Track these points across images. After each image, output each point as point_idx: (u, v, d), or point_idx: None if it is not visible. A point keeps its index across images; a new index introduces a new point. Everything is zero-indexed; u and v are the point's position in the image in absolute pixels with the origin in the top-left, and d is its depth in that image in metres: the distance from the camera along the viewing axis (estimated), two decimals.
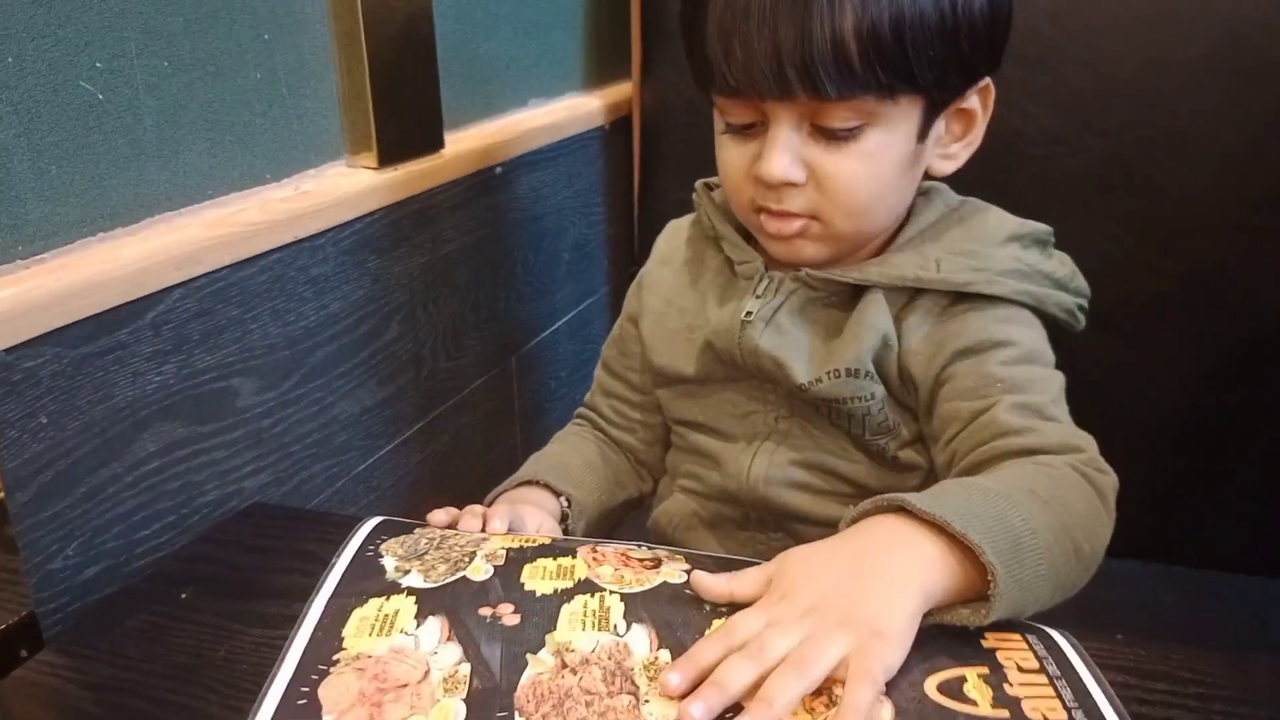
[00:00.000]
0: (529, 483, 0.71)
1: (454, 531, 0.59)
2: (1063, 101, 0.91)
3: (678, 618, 0.49)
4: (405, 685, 0.47)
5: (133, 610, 0.59)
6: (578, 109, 1.14)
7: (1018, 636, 0.49)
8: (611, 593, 0.51)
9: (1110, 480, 0.58)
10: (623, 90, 1.20)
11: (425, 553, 0.56)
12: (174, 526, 0.68)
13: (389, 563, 0.55)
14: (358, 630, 0.50)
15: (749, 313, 0.67)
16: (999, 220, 0.68)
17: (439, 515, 0.63)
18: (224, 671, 0.54)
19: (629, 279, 0.79)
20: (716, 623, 0.49)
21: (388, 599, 0.52)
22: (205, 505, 0.70)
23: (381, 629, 0.50)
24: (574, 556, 0.55)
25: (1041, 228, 0.70)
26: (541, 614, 0.50)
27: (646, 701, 0.45)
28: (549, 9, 1.08)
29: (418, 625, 0.50)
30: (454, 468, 0.99)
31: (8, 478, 0.57)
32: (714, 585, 0.51)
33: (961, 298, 0.64)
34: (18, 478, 0.57)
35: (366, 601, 0.52)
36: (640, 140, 1.16)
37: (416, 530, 0.59)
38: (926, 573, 0.49)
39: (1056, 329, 0.67)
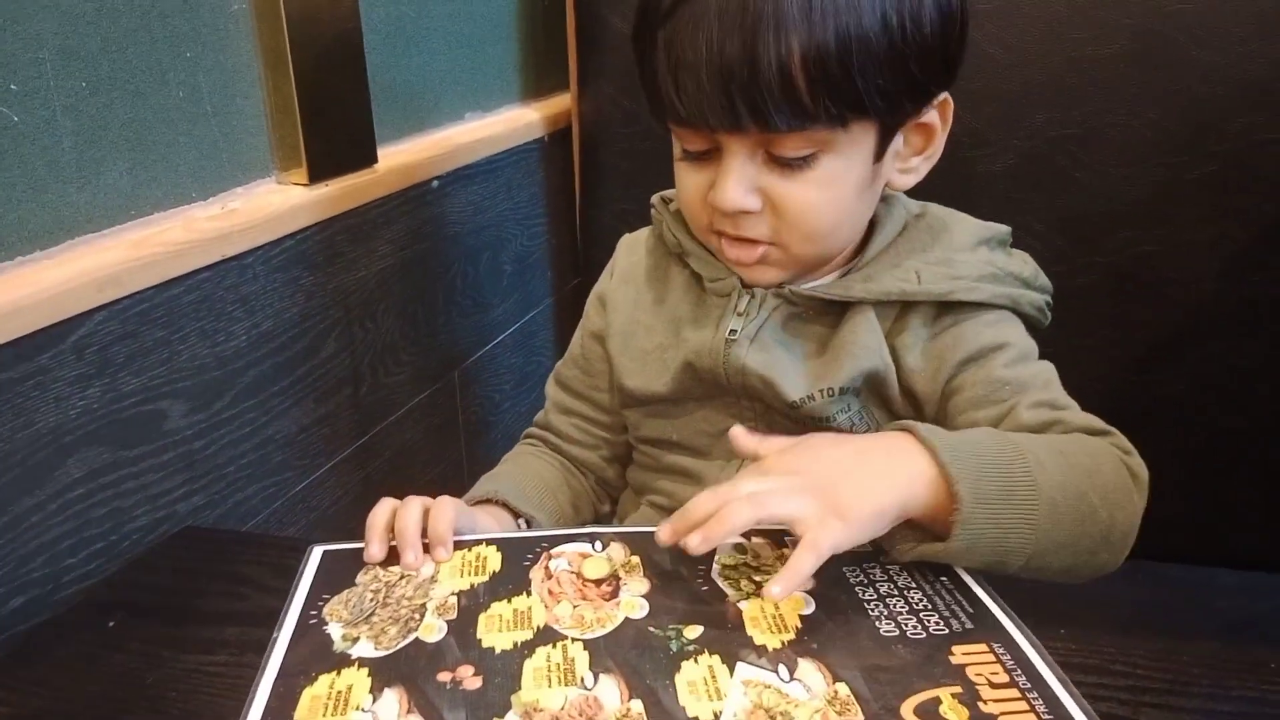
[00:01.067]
0: (486, 501, 0.70)
1: (399, 576, 0.58)
2: (988, 103, 0.92)
3: (645, 664, 0.49)
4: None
5: (60, 640, 0.58)
6: (516, 121, 1.14)
7: (984, 648, 0.49)
8: (574, 641, 0.51)
9: (1140, 464, 0.60)
10: (562, 102, 1.20)
11: (371, 613, 0.55)
12: (103, 554, 0.67)
13: (335, 631, 0.53)
14: (310, 712, 0.48)
15: (733, 331, 0.66)
16: (965, 226, 0.69)
17: (381, 512, 0.61)
18: (153, 700, 0.53)
19: (574, 290, 0.79)
20: (685, 665, 0.49)
21: (339, 674, 0.50)
22: (135, 531, 0.69)
23: (336, 709, 0.48)
24: (528, 594, 0.55)
25: (1002, 228, 0.70)
26: (504, 673, 0.49)
27: None
28: (483, 22, 1.08)
29: (374, 700, 0.48)
30: (397, 484, 0.98)
31: None
32: (748, 442, 0.59)
33: (947, 308, 0.65)
34: None
35: (316, 680, 0.50)
36: (580, 151, 1.16)
37: (360, 581, 0.58)
38: (913, 483, 0.53)
39: (1028, 327, 0.69)
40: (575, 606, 0.54)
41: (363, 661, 0.51)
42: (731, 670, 0.49)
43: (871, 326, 0.64)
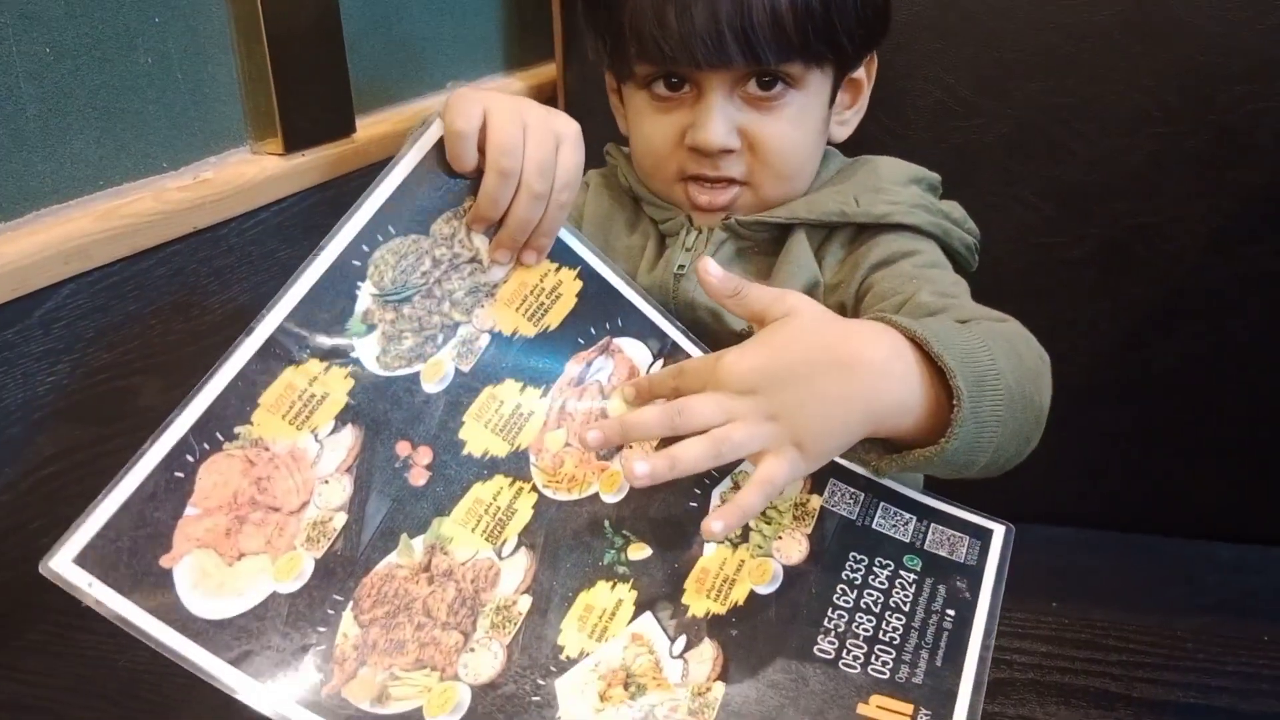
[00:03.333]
0: None
1: (469, 258, 0.51)
2: (981, 72, 0.91)
3: (567, 562, 0.47)
4: (276, 510, 0.45)
5: (33, 622, 0.57)
6: (500, 90, 1.11)
7: (909, 710, 0.45)
8: (530, 490, 0.49)
9: (1042, 348, 0.60)
10: (547, 71, 1.18)
11: (411, 296, 0.50)
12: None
13: (363, 295, 0.49)
14: (277, 402, 0.46)
15: (681, 266, 0.68)
16: (899, 164, 0.74)
17: (469, 105, 0.53)
18: (125, 683, 0.51)
19: None
20: (599, 585, 0.47)
21: (327, 370, 0.47)
22: None
23: (297, 416, 0.46)
24: (545, 394, 0.51)
25: (933, 174, 0.75)
26: (451, 483, 0.47)
27: (471, 650, 0.43)
28: None
29: (332, 430, 0.46)
30: None
31: None
32: (721, 283, 0.53)
33: (869, 228, 0.68)
34: None
35: (306, 362, 0.47)
36: None
37: (433, 231, 0.51)
38: (891, 396, 0.49)
39: (956, 267, 0.71)
40: (567, 445, 0.51)
41: (355, 371, 0.48)
42: (635, 616, 0.47)
43: (803, 246, 0.67)
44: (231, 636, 0.42)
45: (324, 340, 0.48)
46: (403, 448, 0.48)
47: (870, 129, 0.84)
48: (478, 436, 0.49)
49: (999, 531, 0.54)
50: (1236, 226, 0.89)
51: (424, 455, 0.48)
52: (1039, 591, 0.55)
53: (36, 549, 0.62)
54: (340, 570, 0.44)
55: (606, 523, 0.50)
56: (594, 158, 0.87)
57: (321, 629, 0.43)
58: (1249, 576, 0.96)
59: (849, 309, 0.68)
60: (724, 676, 0.45)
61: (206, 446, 0.45)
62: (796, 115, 0.65)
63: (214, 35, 0.75)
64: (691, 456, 0.48)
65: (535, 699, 0.43)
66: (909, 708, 0.44)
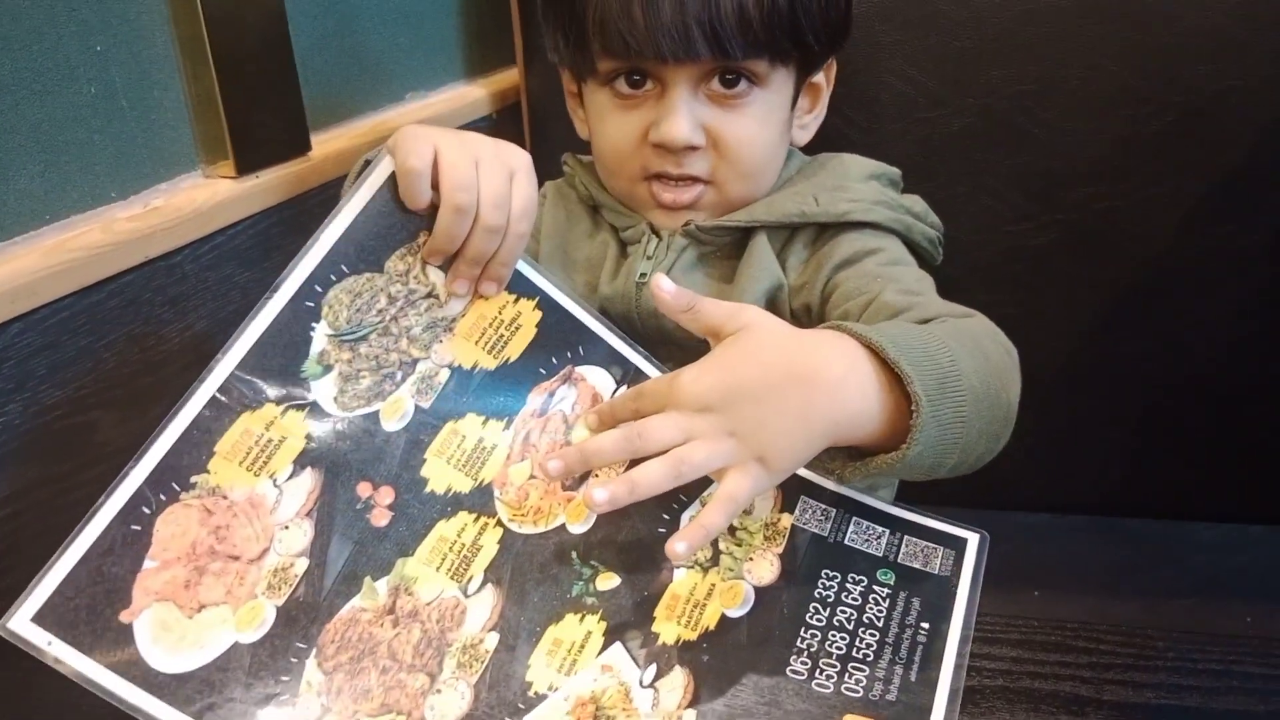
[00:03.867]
0: None
1: (426, 293, 0.51)
2: (943, 62, 0.90)
3: (535, 595, 0.47)
4: (236, 559, 0.44)
5: None
6: (461, 99, 1.10)
7: None
8: (496, 525, 0.48)
9: (1010, 342, 0.60)
10: (509, 77, 1.17)
11: (367, 335, 0.49)
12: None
13: (319, 336, 0.48)
14: (233, 449, 0.46)
15: (643, 274, 0.67)
16: (857, 161, 0.74)
17: (419, 142, 0.53)
18: None
19: None
20: (568, 619, 0.47)
21: (284, 413, 0.47)
22: None
23: (255, 462, 0.46)
24: (508, 426, 0.51)
25: (894, 169, 0.75)
26: (414, 522, 0.47)
27: (438, 691, 0.43)
28: None
29: (291, 474, 0.46)
30: None
31: None
32: (675, 299, 0.52)
33: (830, 227, 0.68)
34: None
35: (262, 407, 0.47)
36: (530, 127, 1.13)
37: (387, 268, 0.51)
38: (851, 405, 0.49)
39: (920, 261, 0.71)
40: (531, 477, 0.51)
41: (312, 411, 0.48)
42: (605, 647, 0.46)
43: (765, 249, 0.67)
44: (193, 690, 0.42)
45: (279, 383, 0.48)
46: (364, 489, 0.47)
47: (835, 124, 0.84)
48: (440, 473, 0.49)
49: (973, 540, 0.53)
50: (1203, 207, 0.89)
51: (386, 495, 0.47)
52: (1020, 580, 0.54)
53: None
54: (303, 617, 0.44)
55: (574, 553, 0.49)
56: (556, 165, 0.86)
57: (285, 678, 0.43)
58: (1230, 556, 0.96)
59: (815, 310, 0.67)
60: (695, 703, 0.44)
61: (163, 497, 0.45)
62: (761, 114, 0.65)
63: (159, 60, 0.74)
64: (651, 478, 0.47)
65: None
66: None
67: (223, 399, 0.47)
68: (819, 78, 0.72)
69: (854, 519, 0.54)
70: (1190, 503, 0.97)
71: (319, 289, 0.50)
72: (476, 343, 0.52)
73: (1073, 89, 0.88)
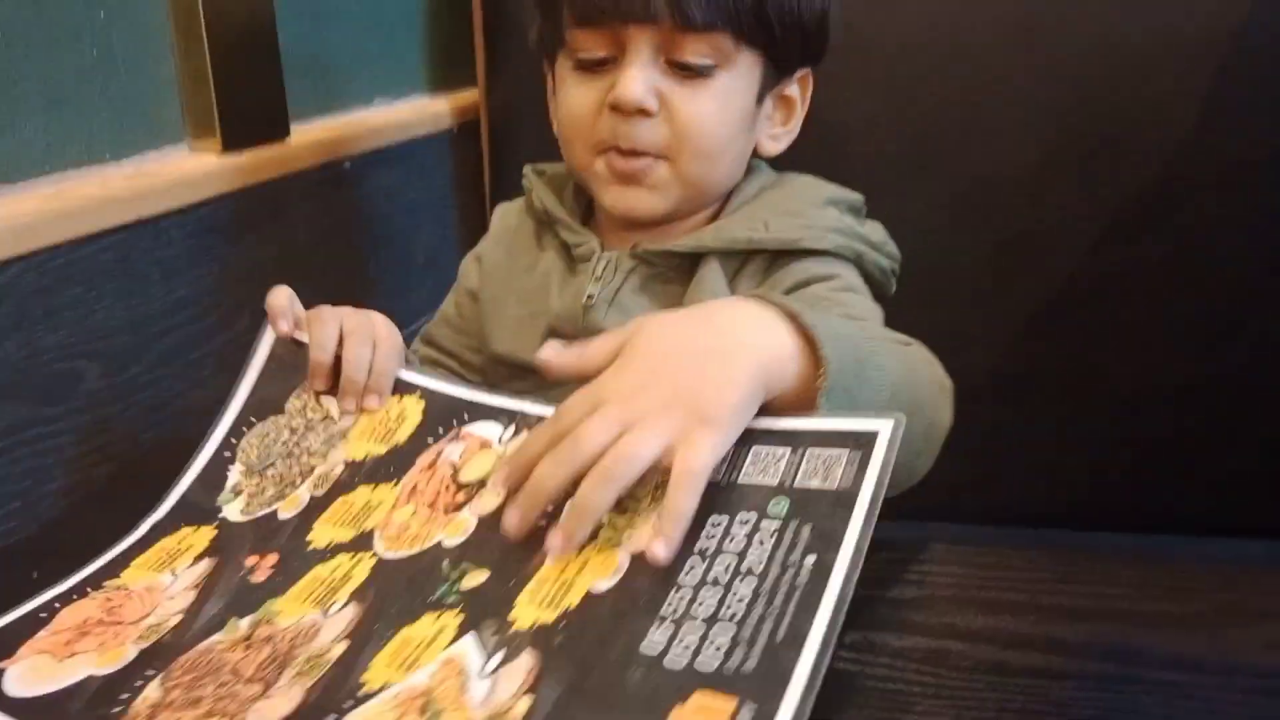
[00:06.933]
0: None
1: (322, 417, 0.58)
2: (878, 90, 0.97)
3: (393, 606, 0.45)
4: (119, 624, 0.48)
5: None
6: (424, 110, 1.15)
7: (731, 706, 0.36)
8: (371, 556, 0.49)
9: (946, 374, 0.59)
10: (469, 95, 1.22)
11: (272, 464, 0.56)
12: (20, 513, 0.65)
13: (231, 477, 0.56)
14: (147, 560, 0.52)
15: (590, 296, 0.67)
16: (817, 185, 0.73)
17: (280, 294, 0.63)
18: None
19: None
20: (422, 620, 0.44)
21: (196, 530, 0.53)
22: (52, 493, 0.67)
23: (162, 565, 0.52)
24: (396, 484, 0.53)
25: (856, 195, 0.74)
26: (292, 574, 0.49)
27: (269, 697, 0.42)
28: (390, 9, 1.10)
29: (191, 564, 0.51)
30: None
31: None
32: (564, 360, 0.49)
33: (785, 254, 0.66)
34: None
35: (179, 529, 0.54)
36: (489, 144, 1.17)
37: (289, 408, 0.59)
38: (771, 350, 0.46)
39: (873, 291, 0.70)
40: (417, 512, 0.50)
41: (220, 524, 0.54)
42: (455, 640, 0.42)
43: (717, 276, 0.66)
44: (39, 711, 0.44)
45: (198, 516, 0.55)
46: (251, 560, 0.51)
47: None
48: (324, 533, 0.52)
49: (884, 430, 0.43)
50: (1116, 224, 0.95)
51: (270, 559, 0.51)
52: (965, 605, 0.55)
53: None
54: (162, 653, 0.46)
55: (445, 562, 0.47)
56: (514, 183, 0.90)
57: (123, 696, 0.44)
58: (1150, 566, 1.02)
59: None
60: (534, 689, 0.39)
61: (75, 597, 0.51)
62: (720, 94, 0.65)
63: (156, 33, 0.77)
64: (595, 495, 0.42)
65: None
66: (731, 703, 0.36)
67: (148, 537, 0.54)
68: (793, 90, 0.72)
69: (753, 449, 0.46)
70: (1110, 514, 1.03)
71: (234, 440, 0.59)
72: (369, 439, 0.57)
73: (999, 109, 0.95)
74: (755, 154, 0.73)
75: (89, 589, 0.51)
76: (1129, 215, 0.95)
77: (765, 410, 0.47)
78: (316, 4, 0.96)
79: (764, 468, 0.45)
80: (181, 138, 0.80)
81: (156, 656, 0.46)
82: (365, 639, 0.44)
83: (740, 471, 0.45)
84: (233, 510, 0.55)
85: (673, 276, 0.68)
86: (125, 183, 0.72)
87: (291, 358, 0.61)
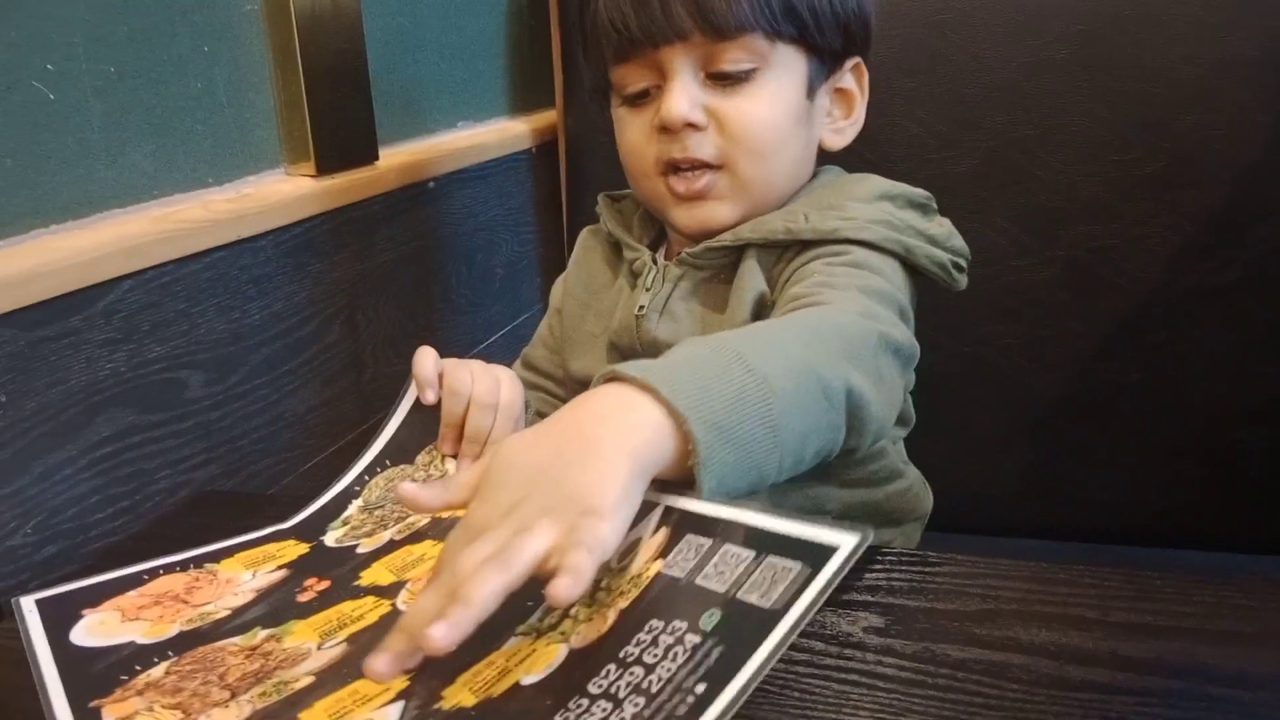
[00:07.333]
0: None
1: (441, 475, 0.63)
2: (951, 107, 0.98)
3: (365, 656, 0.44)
4: (185, 603, 0.53)
5: None
6: (505, 132, 1.19)
7: None
8: (389, 605, 0.51)
9: (902, 335, 0.57)
10: (548, 116, 1.26)
11: (385, 504, 0.61)
12: (128, 511, 0.69)
13: (351, 507, 0.62)
14: (243, 558, 0.58)
15: (641, 307, 0.68)
16: (874, 181, 0.71)
17: (426, 360, 0.67)
18: None
19: None
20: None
21: (296, 544, 0.59)
22: (157, 493, 0.72)
23: (253, 563, 0.57)
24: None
25: (919, 192, 0.72)
26: (326, 602, 0.52)
27: (225, 706, 0.45)
28: (473, 38, 1.14)
29: (272, 570, 0.56)
30: None
31: None
32: (427, 497, 0.48)
33: (815, 243, 0.65)
34: None
35: (287, 540, 0.59)
36: (566, 164, 1.21)
37: (418, 460, 0.64)
38: (640, 435, 0.44)
39: (934, 288, 0.69)
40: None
41: (317, 545, 0.58)
42: (385, 704, 0.42)
43: (754, 269, 0.66)
44: (75, 659, 0.49)
45: (309, 534, 0.60)
46: (310, 580, 0.55)
47: (854, 164, 0.91)
48: (373, 574, 0.55)
49: (844, 545, 0.41)
50: (1189, 245, 0.96)
51: (323, 585, 0.54)
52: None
53: (91, 523, 0.67)
54: (190, 640, 0.50)
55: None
56: (590, 198, 0.93)
57: (138, 668, 0.48)
58: (1226, 583, 1.00)
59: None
60: None
61: (176, 569, 0.57)
62: (765, 95, 0.65)
63: (254, 66, 0.82)
64: (484, 586, 0.39)
65: None
66: None
67: (267, 536, 0.61)
68: (849, 84, 0.72)
69: (726, 546, 0.43)
70: (1187, 532, 1.02)
71: (366, 478, 0.64)
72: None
73: (1070, 134, 0.96)
74: (823, 150, 0.73)
75: (191, 565, 0.57)
76: (1201, 235, 0.94)
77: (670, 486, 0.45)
78: (405, 36, 1.00)
79: (724, 570, 0.42)
80: (278, 163, 0.85)
81: (185, 641, 0.50)
82: (326, 681, 0.45)
83: (703, 571, 0.43)
84: (330, 537, 0.59)
85: (721, 277, 0.68)
86: (226, 205, 0.76)
87: (430, 414, 0.66)
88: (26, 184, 0.64)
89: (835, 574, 0.39)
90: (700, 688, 0.37)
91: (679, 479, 0.45)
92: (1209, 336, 0.97)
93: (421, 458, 0.64)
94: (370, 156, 0.93)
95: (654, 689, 0.37)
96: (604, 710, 0.37)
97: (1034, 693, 0.45)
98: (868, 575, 0.54)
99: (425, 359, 0.67)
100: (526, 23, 1.24)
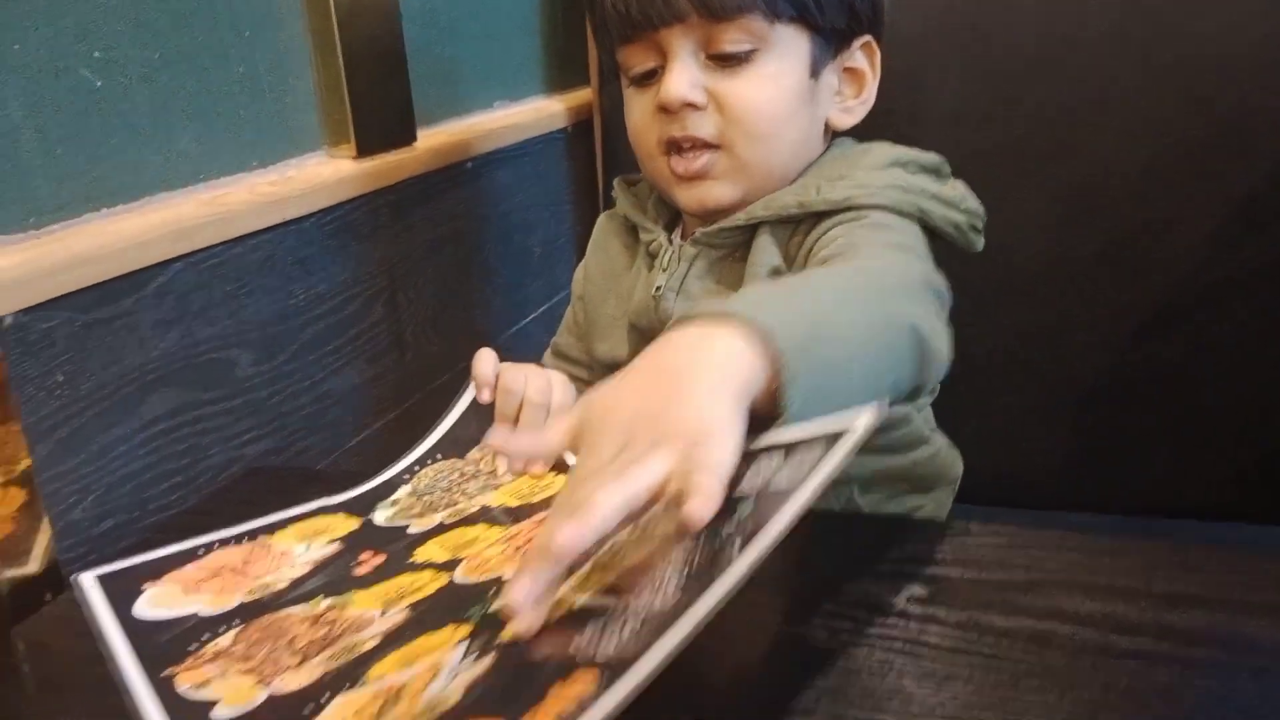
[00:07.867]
0: None
1: (490, 471, 0.65)
2: (987, 81, 0.97)
3: (433, 617, 0.47)
4: (244, 575, 0.55)
5: None
6: (541, 111, 1.19)
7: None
8: (446, 577, 0.52)
9: (937, 281, 0.57)
10: (583, 95, 1.26)
11: (432, 491, 0.63)
12: (182, 486, 0.71)
13: (400, 491, 0.63)
14: (296, 531, 0.59)
15: (658, 287, 0.69)
16: (885, 149, 0.71)
17: (485, 362, 0.68)
18: None
19: None
20: (449, 626, 0.46)
21: (348, 519, 0.61)
22: (210, 468, 0.74)
23: (306, 536, 0.59)
24: (506, 528, 0.57)
25: (930, 156, 0.72)
26: (383, 575, 0.54)
27: (298, 669, 0.46)
28: (508, 18, 1.14)
29: (326, 544, 0.58)
30: None
31: (29, 432, 0.60)
32: (518, 445, 0.52)
33: (835, 214, 0.64)
34: (37, 432, 0.61)
35: (336, 513, 0.61)
36: (601, 142, 1.21)
37: (469, 455, 0.66)
38: (732, 363, 0.44)
39: (950, 249, 0.69)
40: (501, 551, 0.53)
41: (366, 523, 0.60)
42: (449, 645, 0.44)
43: (768, 245, 0.66)
44: (140, 632, 0.50)
45: (358, 510, 0.62)
46: (365, 555, 0.56)
47: (890, 138, 0.90)
48: (427, 552, 0.56)
49: (861, 422, 0.41)
50: (1232, 223, 0.93)
51: (378, 560, 0.56)
52: (1058, 582, 0.55)
53: (147, 498, 0.69)
54: (254, 610, 0.52)
55: (493, 590, 0.48)
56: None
57: (205, 637, 0.50)
58: (1269, 556, 0.99)
59: None
60: (473, 688, 0.40)
61: (231, 543, 0.58)
62: (765, 75, 0.65)
63: (294, 51, 0.83)
64: (608, 497, 0.39)
65: (309, 708, 0.43)
66: (593, 673, 0.36)
67: (316, 510, 0.62)
68: (859, 62, 0.71)
69: (757, 460, 0.44)
70: (1222, 506, 1.01)
71: (417, 468, 0.66)
72: (511, 495, 0.62)
73: (1111, 108, 0.94)
74: (832, 128, 0.72)
75: (246, 538, 0.59)
76: (1247, 213, 0.92)
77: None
78: (440, 18, 1.01)
79: (755, 475, 0.43)
80: (319, 145, 0.86)
81: (249, 611, 0.52)
82: (394, 641, 0.47)
83: (739, 488, 0.42)
84: (380, 516, 0.61)
85: (736, 255, 0.69)
86: (270, 188, 0.78)
87: (485, 413, 0.68)
88: (77, 170, 0.65)
89: (851, 450, 0.40)
90: (736, 542, 0.38)
91: (762, 411, 0.44)
92: (1253, 316, 0.95)
93: (473, 454, 0.66)
94: (409, 138, 0.94)
95: (689, 567, 0.38)
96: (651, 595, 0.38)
97: (1078, 661, 0.46)
98: (910, 546, 0.55)
99: (485, 361, 0.69)
100: (560, 1, 1.24)
